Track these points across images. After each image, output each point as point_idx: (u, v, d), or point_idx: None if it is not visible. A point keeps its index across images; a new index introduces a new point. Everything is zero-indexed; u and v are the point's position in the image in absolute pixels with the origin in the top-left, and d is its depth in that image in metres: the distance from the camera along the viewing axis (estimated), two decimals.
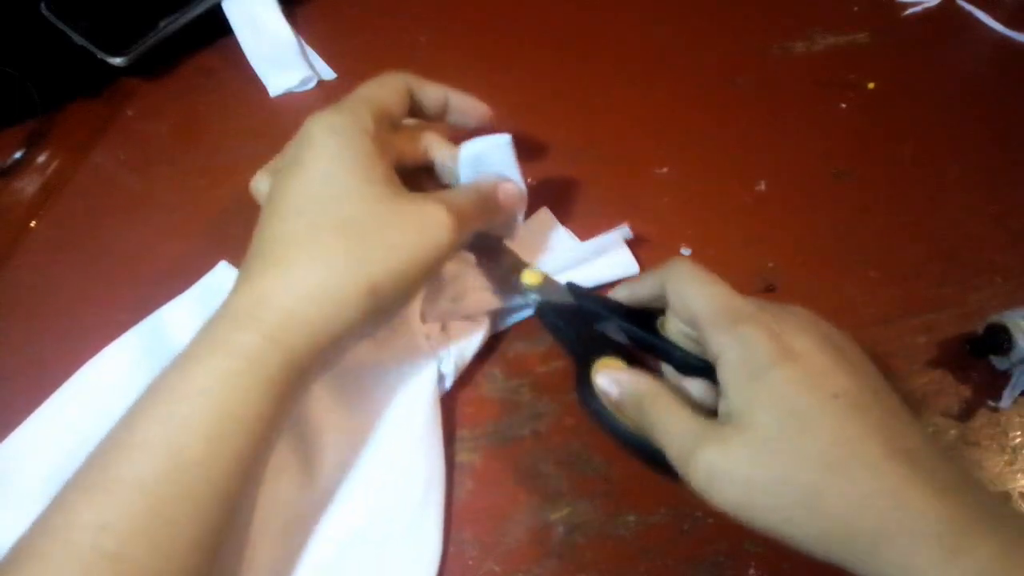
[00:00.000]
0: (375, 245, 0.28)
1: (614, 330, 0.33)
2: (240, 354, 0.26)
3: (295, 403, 0.28)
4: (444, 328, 0.36)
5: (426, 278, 0.30)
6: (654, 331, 0.32)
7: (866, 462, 0.23)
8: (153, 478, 0.24)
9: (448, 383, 0.36)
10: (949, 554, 0.22)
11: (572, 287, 0.35)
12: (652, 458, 0.28)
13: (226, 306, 0.28)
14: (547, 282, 0.35)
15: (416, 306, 0.36)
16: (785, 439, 0.24)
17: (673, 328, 0.32)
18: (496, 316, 0.38)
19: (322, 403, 0.34)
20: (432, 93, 0.35)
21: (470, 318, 0.37)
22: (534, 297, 0.35)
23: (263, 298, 0.27)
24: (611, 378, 0.30)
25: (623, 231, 0.39)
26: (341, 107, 0.31)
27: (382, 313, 0.29)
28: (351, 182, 0.29)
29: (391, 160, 0.31)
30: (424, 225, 0.29)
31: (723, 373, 0.27)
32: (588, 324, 0.33)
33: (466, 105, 0.36)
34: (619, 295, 0.34)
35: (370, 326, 0.29)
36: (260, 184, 0.33)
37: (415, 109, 0.35)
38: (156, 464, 0.24)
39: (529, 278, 0.35)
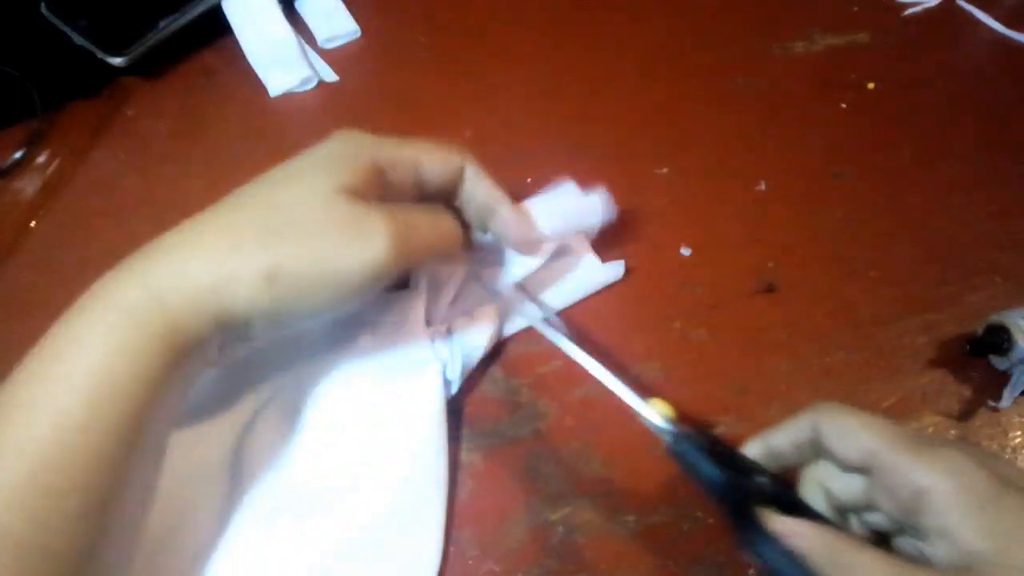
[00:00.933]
0: (290, 236, 0.27)
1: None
2: (121, 308, 0.25)
3: (185, 380, 0.27)
4: (450, 331, 0.36)
5: (353, 292, 0.27)
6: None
7: None
8: (33, 444, 0.23)
9: (454, 389, 0.36)
10: None
11: (705, 433, 0.30)
12: None
13: (118, 266, 0.27)
14: (676, 416, 0.30)
15: (420, 309, 0.36)
16: None
17: (815, 486, 0.28)
18: (502, 322, 0.38)
19: (327, 402, 0.34)
20: (483, 192, 0.32)
21: (474, 317, 0.37)
22: (669, 428, 0.29)
23: (158, 261, 0.26)
24: (793, 530, 0.25)
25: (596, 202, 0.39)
26: (376, 135, 0.30)
27: (283, 306, 0.27)
28: (315, 188, 0.28)
29: (377, 188, 0.29)
30: (359, 234, 0.27)
31: (939, 508, 0.23)
32: (731, 462, 0.28)
33: (509, 221, 0.33)
34: (753, 451, 0.29)
35: (269, 318, 0.27)
36: None
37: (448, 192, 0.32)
38: (36, 429, 0.23)
39: (663, 408, 0.30)
